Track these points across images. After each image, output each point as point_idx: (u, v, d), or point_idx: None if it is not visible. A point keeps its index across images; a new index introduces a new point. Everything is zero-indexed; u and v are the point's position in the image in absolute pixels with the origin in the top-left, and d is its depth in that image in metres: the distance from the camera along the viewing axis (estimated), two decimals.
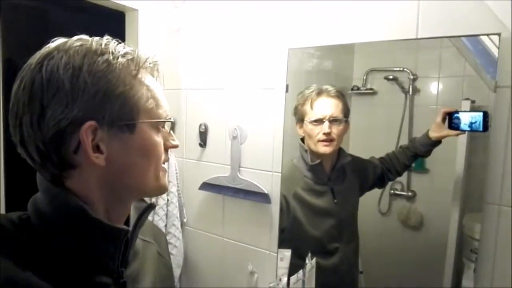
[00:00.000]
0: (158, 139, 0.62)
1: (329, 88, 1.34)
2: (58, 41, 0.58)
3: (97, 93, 0.54)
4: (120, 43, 0.60)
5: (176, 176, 1.71)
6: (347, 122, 1.34)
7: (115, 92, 0.56)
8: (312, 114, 1.34)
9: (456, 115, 1.11)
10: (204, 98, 1.65)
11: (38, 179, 0.60)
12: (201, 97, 1.66)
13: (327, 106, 1.33)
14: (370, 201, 1.37)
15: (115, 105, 0.56)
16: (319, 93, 1.34)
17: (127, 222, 0.67)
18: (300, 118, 1.38)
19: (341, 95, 1.34)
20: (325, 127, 1.31)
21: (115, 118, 0.56)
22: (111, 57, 0.57)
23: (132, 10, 1.64)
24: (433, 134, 1.18)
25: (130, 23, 1.67)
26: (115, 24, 1.67)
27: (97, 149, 0.56)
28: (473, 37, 1.06)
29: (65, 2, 1.89)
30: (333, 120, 1.32)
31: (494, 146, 1.04)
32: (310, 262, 1.28)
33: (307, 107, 1.35)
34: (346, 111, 1.34)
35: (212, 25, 1.60)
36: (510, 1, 0.98)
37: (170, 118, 0.65)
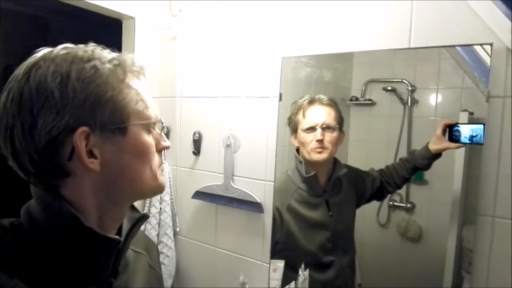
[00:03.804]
0: (150, 140, 0.63)
1: (322, 96, 1.34)
2: (43, 50, 0.58)
3: (86, 99, 0.55)
4: (105, 49, 0.61)
5: (170, 184, 1.69)
6: (341, 131, 1.33)
7: (104, 97, 0.56)
8: (305, 122, 1.34)
9: (456, 127, 1.10)
10: (199, 106, 1.64)
11: (31, 187, 0.59)
12: (196, 105, 1.65)
13: (320, 114, 1.33)
14: (369, 213, 1.36)
15: (105, 110, 0.56)
16: (311, 101, 1.34)
17: (119, 232, 0.66)
18: (294, 128, 1.37)
19: (334, 103, 1.34)
20: (318, 134, 1.30)
21: (106, 122, 0.56)
22: (98, 63, 0.57)
23: (129, 18, 1.65)
24: (433, 147, 1.16)
25: (127, 31, 1.69)
26: (112, 32, 1.68)
27: (91, 154, 0.56)
28: (468, 48, 1.06)
29: (63, 10, 1.90)
30: (326, 128, 1.31)
31: (487, 157, 1.03)
32: (303, 274, 1.25)
33: (299, 116, 1.35)
34: (339, 119, 1.33)
35: (208, 34, 1.60)
36: (502, 11, 0.99)
37: (159, 119, 0.66)
